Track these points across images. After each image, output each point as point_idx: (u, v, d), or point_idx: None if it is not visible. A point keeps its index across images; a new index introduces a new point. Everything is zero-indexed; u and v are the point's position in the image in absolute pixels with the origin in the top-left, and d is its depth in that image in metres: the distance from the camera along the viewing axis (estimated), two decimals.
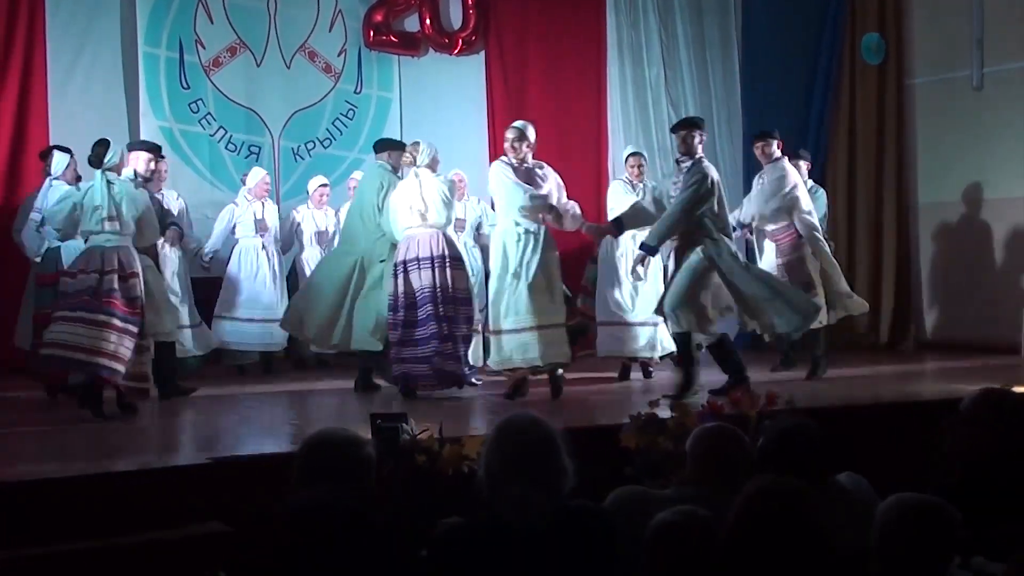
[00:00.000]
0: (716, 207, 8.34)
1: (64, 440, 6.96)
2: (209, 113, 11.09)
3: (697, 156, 8.43)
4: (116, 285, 7.56)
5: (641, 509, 3.71)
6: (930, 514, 3.35)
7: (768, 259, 9.65)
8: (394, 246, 8.66)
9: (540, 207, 8.39)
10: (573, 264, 9.94)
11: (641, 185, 9.63)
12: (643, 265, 8.55)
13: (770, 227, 9.64)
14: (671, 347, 9.05)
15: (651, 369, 9.78)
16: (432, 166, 8.69)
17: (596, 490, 3.92)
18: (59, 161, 9.19)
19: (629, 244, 9.39)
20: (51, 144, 9.65)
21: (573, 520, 3.60)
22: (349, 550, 3.02)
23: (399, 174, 9.01)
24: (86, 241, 7.87)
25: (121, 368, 7.50)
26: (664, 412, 6.63)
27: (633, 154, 9.90)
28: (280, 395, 9.08)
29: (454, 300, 8.40)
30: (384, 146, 9.33)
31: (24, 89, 10.33)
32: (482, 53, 12.35)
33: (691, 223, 8.29)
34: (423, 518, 3.95)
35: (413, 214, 8.49)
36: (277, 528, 3.06)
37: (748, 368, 8.53)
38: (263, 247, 10.57)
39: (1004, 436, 4.34)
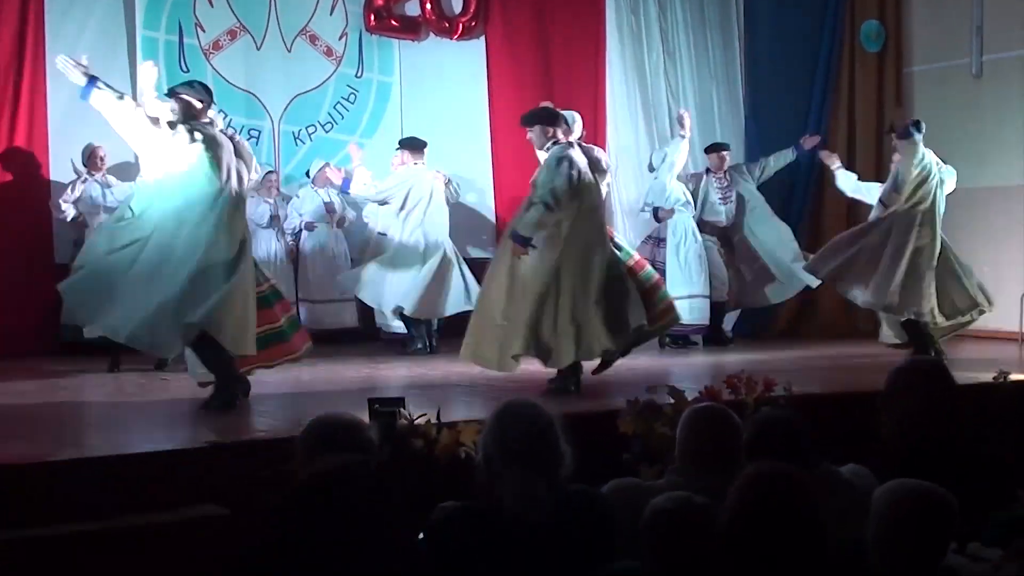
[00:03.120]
0: None
1: (64, 422, 6.98)
2: None
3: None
4: None
5: (636, 501, 3.70)
6: (926, 500, 3.35)
7: None
8: None
9: None
10: None
11: None
12: None
13: None
14: None
15: None
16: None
17: (594, 476, 3.93)
18: None
19: None
20: None
21: (571, 505, 3.61)
22: (367, 514, 2.99)
23: None
24: None
25: None
26: (662, 398, 6.64)
27: None
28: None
29: None
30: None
31: (23, 72, 10.29)
32: (482, 38, 12.34)
33: None
34: (419, 503, 3.97)
35: None
36: (294, 493, 3.03)
37: (748, 353, 8.51)
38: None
39: (930, 404, 4.38)
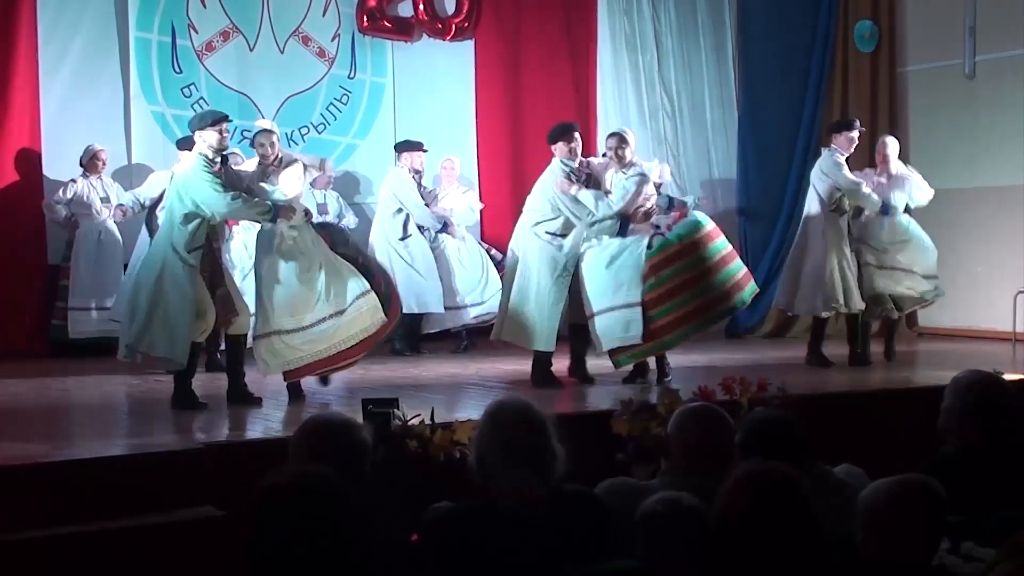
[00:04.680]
0: None
1: (58, 423, 6.97)
2: (202, 98, 11.04)
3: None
4: None
5: (629, 501, 3.70)
6: (913, 492, 3.36)
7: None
8: None
9: None
10: None
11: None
12: None
13: None
14: None
15: None
16: None
17: (588, 477, 3.93)
18: None
19: None
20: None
21: (566, 504, 3.61)
22: (328, 528, 2.96)
23: None
24: None
25: None
26: (654, 398, 6.65)
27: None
28: None
29: None
30: None
31: (15, 73, 10.26)
32: (475, 39, 12.33)
33: None
34: (414, 503, 3.96)
35: None
36: (254, 503, 3.00)
37: (742, 353, 8.52)
38: None
39: (993, 419, 4.42)
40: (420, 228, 10.83)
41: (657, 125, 12.77)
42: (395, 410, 6.06)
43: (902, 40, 13.01)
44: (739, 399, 6.82)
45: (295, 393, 7.72)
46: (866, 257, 9.85)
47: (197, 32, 11.08)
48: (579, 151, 8.63)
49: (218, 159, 7.51)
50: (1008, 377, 7.92)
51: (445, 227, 10.93)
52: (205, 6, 11.12)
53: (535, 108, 12.29)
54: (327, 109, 11.69)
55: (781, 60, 12.86)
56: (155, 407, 7.53)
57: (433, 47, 12.09)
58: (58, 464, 5.62)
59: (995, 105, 11.97)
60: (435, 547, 3.54)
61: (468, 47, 12.27)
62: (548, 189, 8.53)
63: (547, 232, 8.46)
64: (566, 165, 8.52)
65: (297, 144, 11.52)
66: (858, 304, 9.60)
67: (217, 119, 7.57)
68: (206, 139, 7.47)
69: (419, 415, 6.10)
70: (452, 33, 12.12)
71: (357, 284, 7.63)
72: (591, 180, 8.57)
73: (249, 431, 6.90)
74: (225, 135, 7.52)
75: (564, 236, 8.44)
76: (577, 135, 8.66)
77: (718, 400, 6.55)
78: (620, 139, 8.61)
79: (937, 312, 11.94)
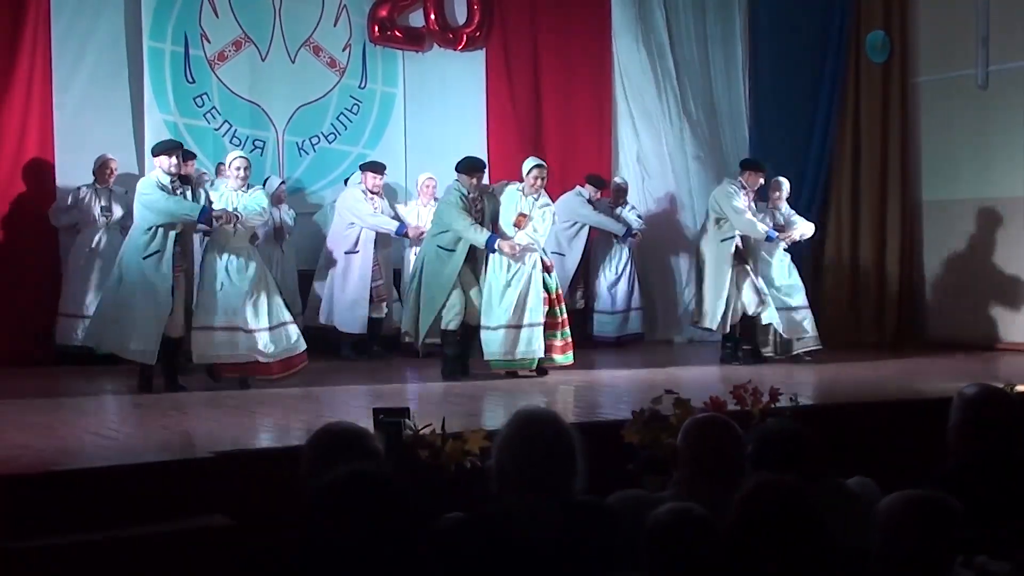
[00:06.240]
0: None
1: (68, 431, 6.97)
2: (214, 107, 11.09)
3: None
4: None
5: (640, 512, 3.68)
6: (930, 507, 3.34)
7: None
8: None
9: None
10: None
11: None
12: None
13: None
14: None
15: None
16: None
17: (599, 486, 3.91)
18: None
19: None
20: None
21: (577, 515, 3.60)
22: (381, 521, 2.98)
23: None
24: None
25: None
26: (667, 408, 6.62)
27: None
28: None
29: None
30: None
31: (29, 83, 10.31)
32: (485, 49, 12.33)
33: None
34: (425, 513, 3.95)
35: None
36: (310, 502, 3.02)
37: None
38: None
39: (1000, 435, 4.39)
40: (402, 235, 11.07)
41: (672, 136, 12.73)
42: (406, 420, 6.05)
43: (914, 50, 12.97)
44: (751, 409, 6.79)
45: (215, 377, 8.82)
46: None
47: (210, 42, 11.12)
48: (478, 185, 9.49)
49: (167, 179, 8.49)
50: (1021, 389, 7.94)
51: (403, 228, 11.02)
52: (218, 16, 11.16)
53: (547, 118, 12.31)
54: (337, 119, 11.71)
55: (793, 69, 12.82)
56: (165, 416, 7.52)
57: (444, 57, 12.11)
58: (69, 472, 5.63)
59: (1008, 116, 11.92)
60: (446, 558, 3.53)
61: (479, 57, 12.28)
62: (442, 208, 9.56)
63: (438, 246, 9.38)
64: (459, 191, 9.39)
65: (308, 153, 11.54)
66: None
67: (169, 148, 8.69)
68: (160, 164, 8.58)
69: (430, 425, 6.08)
70: (463, 43, 12.13)
71: (285, 313, 8.87)
72: (487, 205, 9.49)
73: (259, 440, 6.90)
74: (174, 161, 8.55)
75: (453, 250, 9.31)
76: (481, 175, 9.55)
77: (729, 410, 6.52)
78: (543, 170, 9.56)
79: (950, 323, 11.92)
